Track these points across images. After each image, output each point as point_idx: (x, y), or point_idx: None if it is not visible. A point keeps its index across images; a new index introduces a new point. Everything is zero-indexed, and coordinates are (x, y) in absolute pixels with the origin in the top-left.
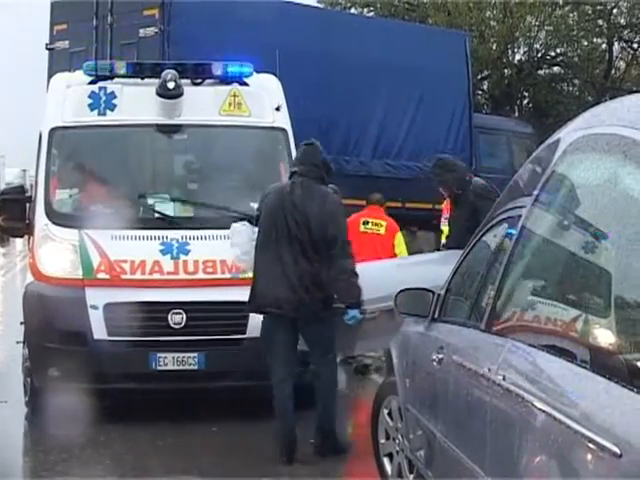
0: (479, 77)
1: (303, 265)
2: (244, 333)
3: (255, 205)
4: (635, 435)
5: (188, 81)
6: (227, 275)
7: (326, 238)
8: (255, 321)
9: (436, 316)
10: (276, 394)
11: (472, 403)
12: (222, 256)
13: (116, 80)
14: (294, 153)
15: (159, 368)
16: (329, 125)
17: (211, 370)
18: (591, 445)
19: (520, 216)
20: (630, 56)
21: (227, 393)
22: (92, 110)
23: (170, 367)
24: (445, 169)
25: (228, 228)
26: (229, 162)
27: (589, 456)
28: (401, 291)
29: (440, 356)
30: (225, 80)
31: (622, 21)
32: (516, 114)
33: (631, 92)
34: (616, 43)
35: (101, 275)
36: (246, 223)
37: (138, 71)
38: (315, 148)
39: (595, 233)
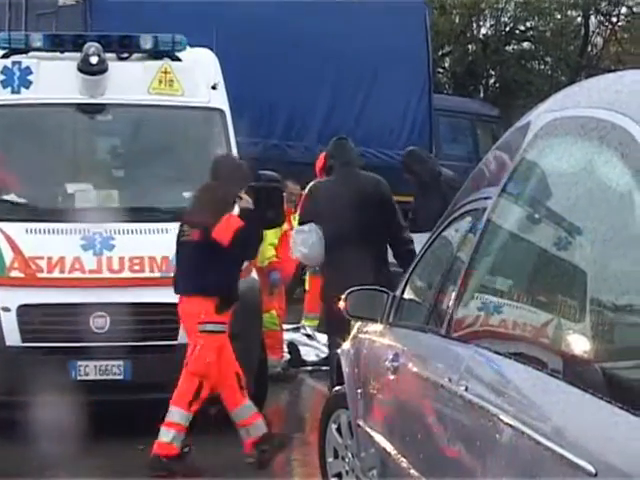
0: (440, 53)
1: (371, 249)
2: (175, 339)
3: (189, 194)
4: (611, 452)
5: (113, 55)
6: (156, 274)
7: (385, 218)
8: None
9: (391, 320)
10: None
11: (431, 417)
12: (151, 252)
13: (32, 54)
14: (232, 136)
15: (79, 378)
16: (271, 107)
17: (138, 380)
18: (563, 463)
19: (485, 208)
20: (608, 31)
21: (156, 407)
22: (4, 88)
23: (92, 377)
24: (415, 160)
25: (158, 221)
26: (159, 146)
27: (561, 475)
28: (351, 291)
29: (395, 365)
30: (155, 54)
31: None
32: (481, 95)
33: (609, 71)
34: (593, 17)
35: (14, 273)
36: (312, 225)
37: (57, 44)
38: (348, 141)
39: (569, 228)
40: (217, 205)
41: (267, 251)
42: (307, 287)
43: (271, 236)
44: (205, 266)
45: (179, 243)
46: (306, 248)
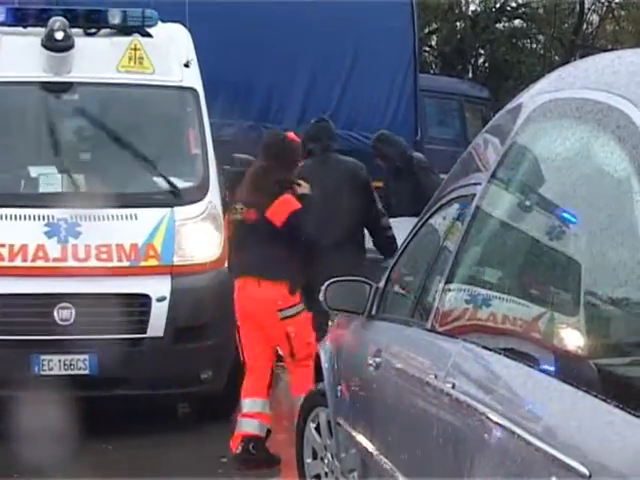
0: (426, 31)
1: (350, 235)
2: (144, 332)
3: (160, 179)
4: (606, 453)
5: (80, 31)
6: (125, 263)
7: (365, 204)
8: (158, 318)
9: (374, 313)
10: None
11: (416, 416)
12: (119, 240)
13: None
14: (206, 117)
15: (43, 373)
16: (246, 87)
17: (105, 375)
18: (555, 465)
19: (474, 195)
20: (604, 8)
21: (125, 403)
22: None
23: (56, 372)
24: (386, 143)
25: (127, 206)
26: (129, 128)
27: (553, 478)
28: (331, 282)
29: (378, 360)
30: (124, 30)
31: None
32: (470, 75)
33: (605, 50)
34: None
35: None
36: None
37: (19, 18)
38: (329, 123)
39: (562, 216)
40: (273, 185)
41: None
42: None
43: None
44: (272, 249)
45: (231, 222)
46: None
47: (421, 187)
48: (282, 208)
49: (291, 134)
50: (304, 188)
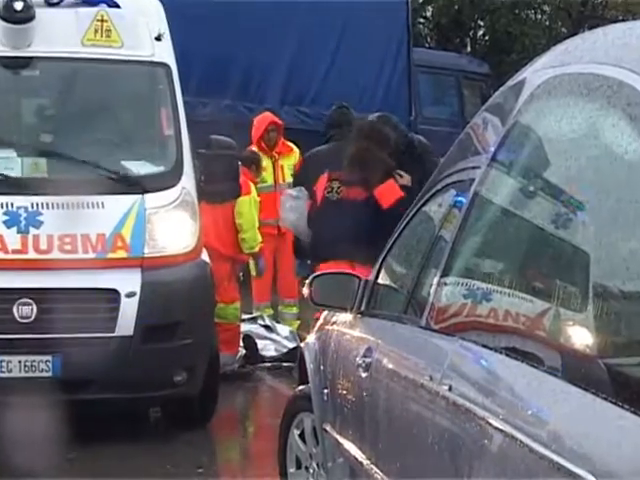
0: (421, 1)
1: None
2: (113, 331)
3: (130, 163)
4: (615, 460)
5: (41, 1)
6: (91, 255)
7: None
8: (127, 315)
9: (363, 309)
10: None
11: (409, 422)
12: (84, 230)
13: None
14: (179, 95)
15: (1, 375)
16: (225, 62)
17: (69, 378)
18: (561, 473)
19: (472, 180)
20: None
21: (91, 408)
22: None
23: (16, 374)
24: (388, 126)
25: (93, 193)
26: (95, 107)
27: None
28: (317, 276)
29: (368, 360)
30: (90, 0)
31: None
32: (468, 49)
33: (616, 22)
34: None
35: None
36: (302, 189)
37: None
38: (350, 110)
39: (569, 202)
40: (380, 166)
41: (258, 234)
42: (253, 272)
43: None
44: (368, 231)
45: (329, 202)
46: (295, 214)
47: (427, 174)
48: (391, 191)
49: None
50: (405, 179)
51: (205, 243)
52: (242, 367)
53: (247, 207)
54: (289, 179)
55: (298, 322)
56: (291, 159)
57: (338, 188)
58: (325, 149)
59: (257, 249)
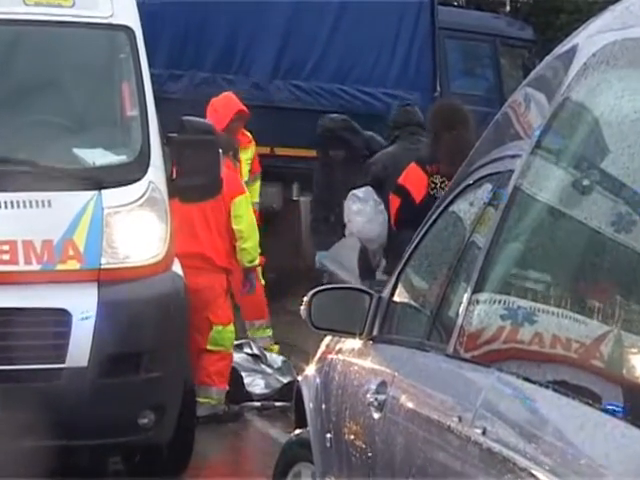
0: None
1: None
2: (62, 361)
3: (83, 151)
4: None
5: None
6: (35, 266)
7: None
8: (80, 342)
9: (375, 333)
10: None
11: (433, 474)
12: (27, 235)
13: None
14: (146, 66)
15: None
16: (202, 26)
17: (7, 421)
18: None
19: (512, 172)
20: None
21: (33, 458)
22: None
23: None
24: (348, 130)
25: (37, 189)
26: (40, 81)
27: None
28: (316, 292)
29: (381, 398)
30: None
31: None
32: (507, 8)
33: None
34: None
35: None
36: (369, 189)
37: None
38: (416, 109)
39: (632, 200)
40: None
41: (257, 247)
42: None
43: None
44: None
45: (435, 200)
46: (363, 218)
47: None
48: None
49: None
50: None
51: (196, 252)
52: (226, 407)
53: (245, 209)
54: (246, 176)
55: (277, 346)
56: (249, 152)
57: (442, 183)
58: (392, 152)
59: (258, 262)
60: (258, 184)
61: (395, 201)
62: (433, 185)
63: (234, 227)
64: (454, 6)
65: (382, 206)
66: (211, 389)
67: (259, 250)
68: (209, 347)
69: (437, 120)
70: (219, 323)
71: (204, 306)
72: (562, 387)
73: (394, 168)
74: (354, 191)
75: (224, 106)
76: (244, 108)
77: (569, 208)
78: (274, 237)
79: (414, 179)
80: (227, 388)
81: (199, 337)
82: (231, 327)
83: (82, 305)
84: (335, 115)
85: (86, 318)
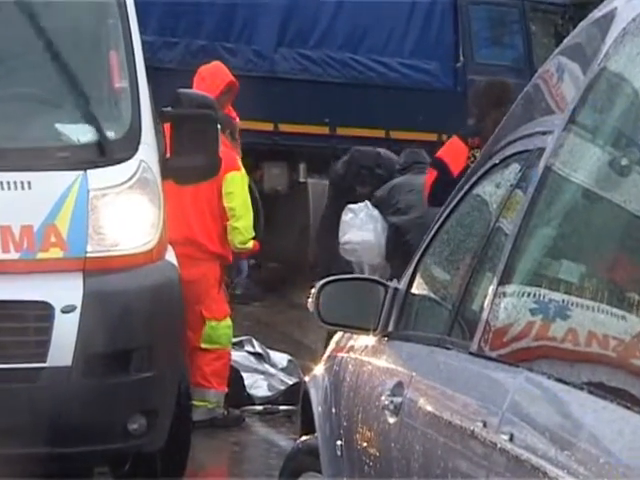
0: None
1: None
2: (43, 360)
3: (67, 127)
4: None
5: None
6: (13, 255)
7: None
8: (64, 339)
9: (391, 329)
10: None
11: None
12: (4, 220)
13: None
14: (137, 33)
15: None
16: None
17: None
18: None
19: (542, 150)
20: None
21: (12, 466)
22: None
23: None
24: None
25: (15, 169)
26: (18, 49)
27: None
28: (325, 283)
29: (397, 400)
30: None
31: None
32: None
33: None
34: None
35: None
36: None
37: None
38: (422, 150)
39: None
40: None
41: (251, 228)
42: None
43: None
44: None
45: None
46: (356, 226)
47: None
48: None
49: None
50: None
51: (186, 237)
52: (225, 411)
53: (240, 186)
54: None
55: None
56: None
57: None
58: (399, 180)
59: (251, 245)
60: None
61: (431, 174)
62: (473, 159)
63: (226, 205)
64: None
65: (377, 213)
66: (208, 392)
67: (253, 234)
68: (204, 345)
69: (486, 97)
70: (213, 318)
71: (196, 299)
72: (598, 389)
73: (401, 191)
74: (349, 205)
75: (213, 75)
76: (234, 80)
77: (606, 190)
78: (279, 223)
79: (454, 151)
80: (226, 390)
81: (192, 334)
82: (227, 322)
83: (66, 297)
84: (369, 150)
85: (70, 312)
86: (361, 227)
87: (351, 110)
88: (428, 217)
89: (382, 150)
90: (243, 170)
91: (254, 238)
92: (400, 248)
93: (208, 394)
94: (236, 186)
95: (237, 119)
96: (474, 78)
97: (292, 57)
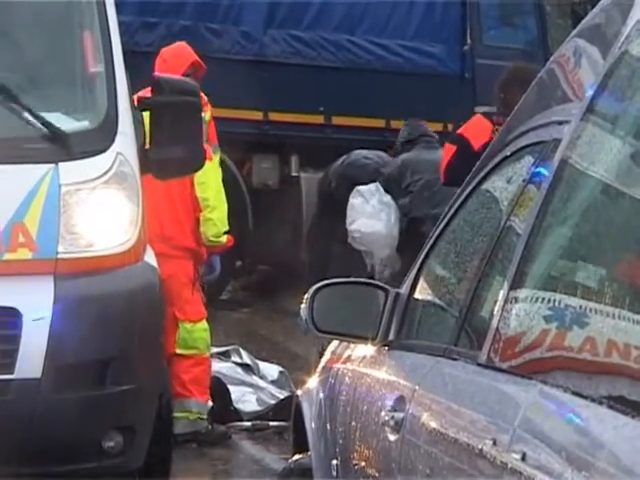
0: None
1: None
2: (10, 371)
3: (34, 116)
4: None
5: None
6: None
7: None
8: (32, 348)
9: (392, 337)
10: None
11: None
12: None
13: None
14: (113, 13)
15: None
16: None
17: None
18: None
19: (558, 142)
20: None
21: None
22: None
23: None
24: None
25: None
26: None
27: None
28: (321, 287)
29: (399, 416)
30: None
31: None
32: None
33: None
34: None
35: None
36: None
37: None
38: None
39: None
40: None
41: (225, 219)
42: None
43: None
44: None
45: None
46: (366, 214)
47: None
48: None
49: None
50: None
51: (155, 233)
52: (210, 426)
53: (212, 176)
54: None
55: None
56: (206, 116)
57: None
58: (411, 155)
59: (225, 239)
60: (218, 157)
61: (450, 149)
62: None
63: (198, 195)
64: None
65: (389, 199)
66: (188, 401)
67: (227, 227)
68: (179, 350)
69: (512, 82)
70: (187, 320)
71: (167, 301)
72: (619, 403)
73: (412, 170)
74: (358, 187)
75: (175, 57)
76: (199, 60)
77: (627, 186)
78: (269, 221)
79: (476, 127)
80: (209, 400)
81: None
82: (203, 324)
83: (35, 303)
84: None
85: (40, 319)
86: (372, 216)
87: (348, 97)
88: (442, 207)
89: (381, 165)
90: (216, 159)
91: (241, 238)
92: (415, 240)
93: (189, 403)
94: (209, 175)
95: (208, 106)
96: (483, 62)
97: (283, 39)
